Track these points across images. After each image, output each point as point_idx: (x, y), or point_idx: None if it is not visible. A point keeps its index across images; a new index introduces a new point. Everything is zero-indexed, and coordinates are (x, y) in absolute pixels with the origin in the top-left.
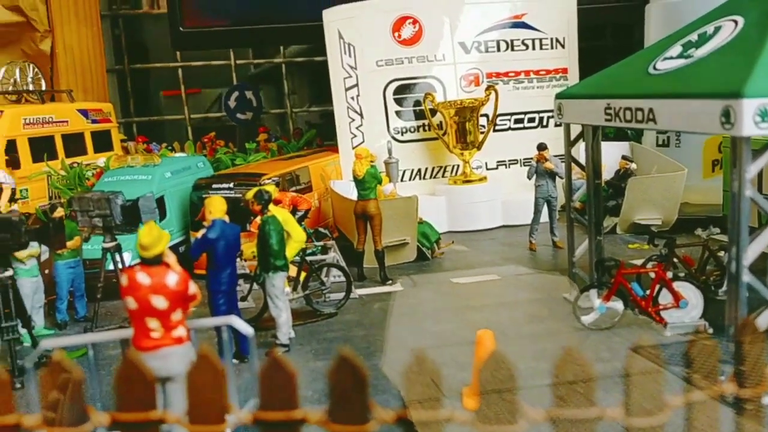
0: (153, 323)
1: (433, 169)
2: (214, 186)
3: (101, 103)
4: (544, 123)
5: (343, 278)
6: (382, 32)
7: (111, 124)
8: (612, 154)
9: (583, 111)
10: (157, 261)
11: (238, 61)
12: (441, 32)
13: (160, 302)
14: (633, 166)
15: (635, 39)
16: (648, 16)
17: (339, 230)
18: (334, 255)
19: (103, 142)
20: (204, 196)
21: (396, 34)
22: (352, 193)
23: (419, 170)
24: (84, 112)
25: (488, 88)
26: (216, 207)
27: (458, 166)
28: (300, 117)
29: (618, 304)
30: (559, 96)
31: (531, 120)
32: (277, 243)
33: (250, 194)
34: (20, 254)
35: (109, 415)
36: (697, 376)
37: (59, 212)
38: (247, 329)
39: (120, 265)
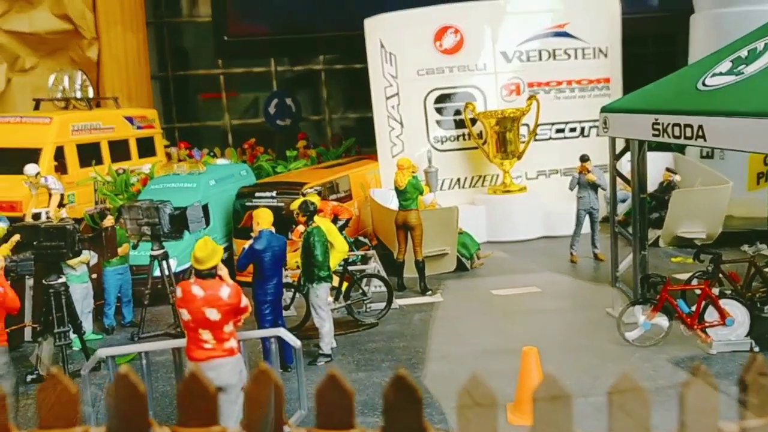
0: (206, 335)
1: (472, 178)
2: (256, 194)
3: (146, 109)
4: (586, 133)
5: (383, 288)
6: (424, 41)
7: (155, 130)
8: (655, 166)
9: (629, 125)
10: (212, 274)
11: (278, 68)
12: (483, 42)
13: (213, 314)
14: (677, 178)
15: (678, 48)
16: (693, 27)
17: (378, 239)
18: (375, 265)
19: (147, 148)
20: (247, 204)
21: (438, 43)
22: (391, 202)
23: (458, 179)
24: (130, 119)
25: (530, 97)
26: (263, 218)
27: (498, 175)
28: (334, 123)
29: (663, 321)
30: (604, 109)
31: (572, 130)
32: (321, 254)
33: (294, 205)
34: (71, 261)
35: (170, 429)
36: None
37: (109, 220)
38: (295, 341)
39: (167, 272)
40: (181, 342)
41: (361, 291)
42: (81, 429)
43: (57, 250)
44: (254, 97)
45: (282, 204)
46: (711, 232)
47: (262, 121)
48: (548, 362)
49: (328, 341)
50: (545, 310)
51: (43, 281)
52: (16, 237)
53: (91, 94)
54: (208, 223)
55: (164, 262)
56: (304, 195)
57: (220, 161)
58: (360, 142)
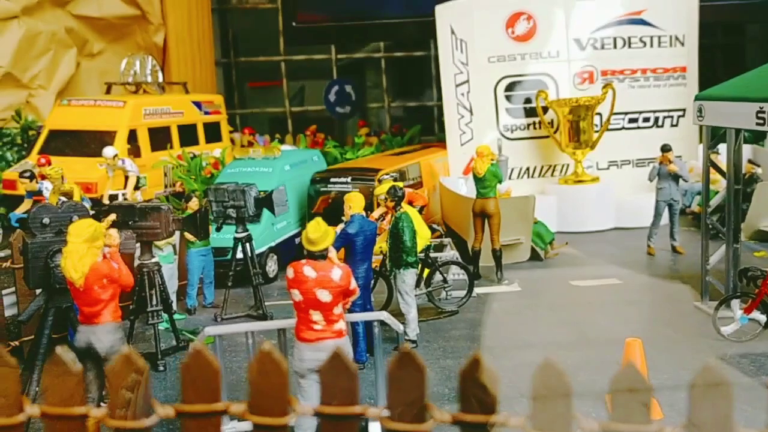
0: (316, 316)
1: (541, 167)
2: (331, 180)
3: (213, 95)
4: (660, 123)
5: (460, 276)
6: (496, 28)
7: (221, 115)
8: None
9: (729, 113)
10: (323, 256)
11: (338, 55)
12: (556, 28)
13: (324, 296)
14: (759, 170)
15: (747, 37)
16: None
17: (447, 226)
18: (454, 252)
19: (213, 133)
20: (321, 189)
21: (510, 30)
22: (459, 190)
23: (527, 168)
24: (198, 104)
25: (605, 86)
26: (356, 202)
27: (568, 165)
28: (382, 111)
29: (761, 316)
30: (699, 97)
31: (646, 120)
32: (410, 239)
33: (380, 190)
34: (159, 242)
35: (246, 405)
36: None
37: (194, 203)
38: (398, 325)
39: (250, 254)
40: (286, 322)
41: (442, 278)
42: (222, 405)
43: (152, 230)
44: (314, 84)
45: (357, 190)
46: None
47: (321, 108)
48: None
49: (413, 327)
50: (629, 302)
51: (137, 260)
52: (113, 216)
53: (160, 79)
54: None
55: (248, 245)
56: (380, 181)
57: (286, 147)
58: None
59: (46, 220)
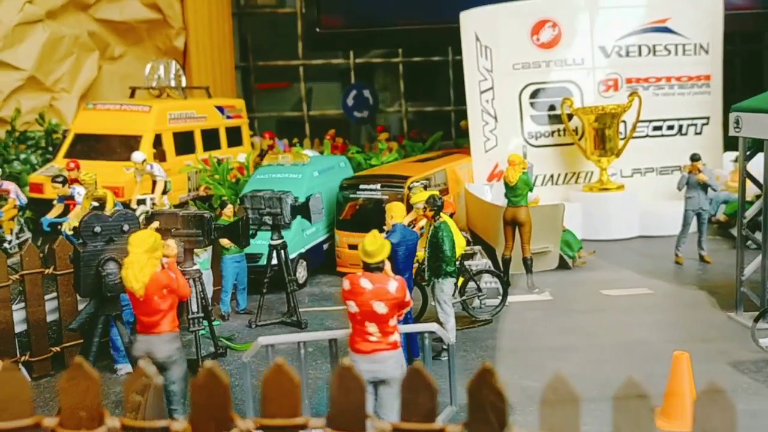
0: (372, 327)
1: (565, 174)
2: (360, 187)
3: (234, 99)
4: (683, 131)
5: (492, 284)
6: (521, 35)
7: (242, 120)
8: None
9: (766, 125)
10: (379, 268)
11: (357, 60)
12: (581, 36)
13: (380, 308)
14: None
15: (764, 44)
16: None
17: (472, 233)
18: (486, 261)
19: (235, 138)
20: (351, 196)
21: (535, 37)
22: (485, 197)
23: (551, 176)
24: (220, 109)
25: (632, 94)
26: (397, 211)
27: (592, 172)
28: (398, 116)
29: None
30: (737, 108)
31: (670, 128)
32: (450, 249)
33: (418, 198)
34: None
35: (324, 419)
36: None
37: (229, 209)
38: (449, 338)
39: (285, 261)
40: (338, 333)
41: (476, 286)
42: (303, 419)
43: (194, 238)
44: (332, 89)
45: (386, 197)
46: None
47: (339, 112)
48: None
49: (452, 336)
50: (663, 313)
51: (179, 268)
52: (156, 224)
53: (184, 83)
54: None
55: (282, 252)
56: (410, 189)
57: (310, 152)
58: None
59: (97, 229)
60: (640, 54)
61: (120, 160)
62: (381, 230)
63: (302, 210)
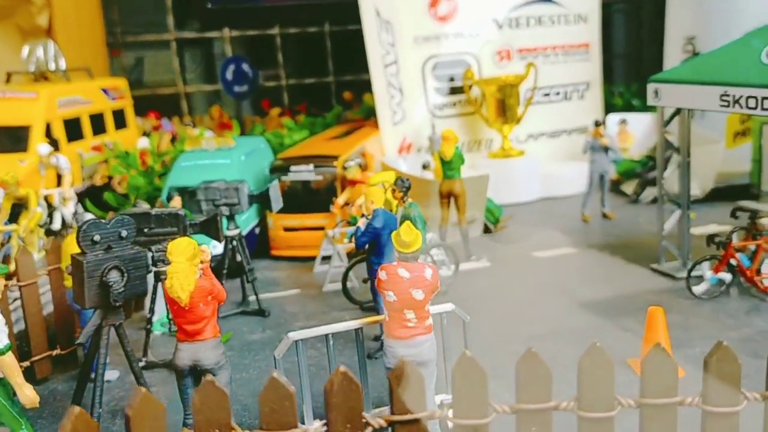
0: (410, 314)
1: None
2: (292, 168)
3: (117, 79)
4: (568, 96)
5: (439, 257)
6: (420, 9)
7: (126, 101)
8: (647, 127)
9: (688, 96)
10: (415, 257)
11: (232, 33)
12: (476, 8)
13: (419, 295)
14: (673, 138)
15: (642, 7)
16: None
17: None
18: (433, 234)
19: (120, 120)
20: (282, 178)
21: (433, 10)
22: (399, 169)
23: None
24: (105, 91)
25: (528, 64)
26: (377, 197)
27: (492, 140)
28: (273, 90)
29: (726, 275)
30: (654, 80)
31: (557, 94)
32: (423, 228)
33: (375, 179)
34: None
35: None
36: None
37: (177, 201)
38: (465, 316)
39: (244, 251)
40: (362, 322)
41: (431, 260)
42: (300, 430)
43: (171, 236)
44: (209, 63)
45: (320, 177)
46: (704, 188)
47: (217, 87)
48: (631, 320)
49: None
50: (595, 270)
51: (153, 268)
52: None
53: (64, 65)
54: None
55: (241, 241)
56: (345, 168)
57: (209, 134)
58: (317, 107)
59: (96, 237)
60: (528, 25)
61: (10, 152)
62: (327, 209)
63: (260, 198)
